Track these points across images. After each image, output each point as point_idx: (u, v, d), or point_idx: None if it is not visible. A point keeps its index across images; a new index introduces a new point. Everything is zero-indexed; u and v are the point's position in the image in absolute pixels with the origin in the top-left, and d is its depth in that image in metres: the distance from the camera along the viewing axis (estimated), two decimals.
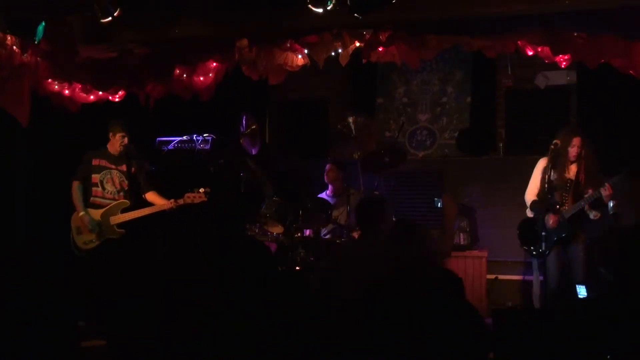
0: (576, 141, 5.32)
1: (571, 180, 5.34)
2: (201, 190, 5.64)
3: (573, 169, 5.38)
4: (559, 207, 5.31)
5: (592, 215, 5.29)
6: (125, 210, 5.69)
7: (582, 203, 5.25)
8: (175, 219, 5.95)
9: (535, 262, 5.51)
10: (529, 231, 5.43)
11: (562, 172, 5.31)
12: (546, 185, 5.31)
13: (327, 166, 6.61)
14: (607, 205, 5.22)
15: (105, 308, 5.37)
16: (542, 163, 5.48)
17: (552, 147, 5.28)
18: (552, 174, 5.34)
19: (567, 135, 5.37)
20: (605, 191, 5.14)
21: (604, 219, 5.35)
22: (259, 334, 3.44)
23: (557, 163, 5.31)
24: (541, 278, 5.44)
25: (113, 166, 5.72)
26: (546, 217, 5.31)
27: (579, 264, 5.27)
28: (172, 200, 5.63)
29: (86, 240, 5.67)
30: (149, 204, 5.72)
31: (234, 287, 3.68)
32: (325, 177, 6.61)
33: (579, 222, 5.32)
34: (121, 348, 4.21)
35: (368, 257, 4.01)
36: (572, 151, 5.32)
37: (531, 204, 5.49)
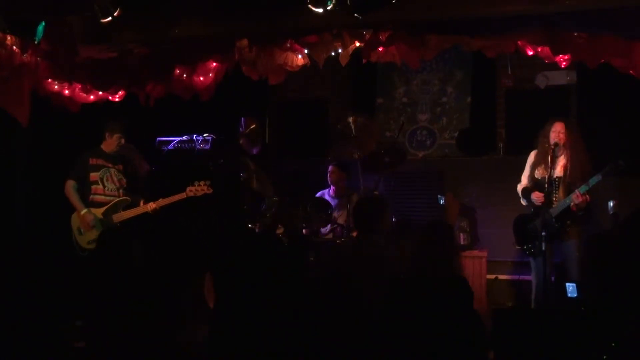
0: (558, 126, 5.26)
1: (559, 177, 5.26)
2: (201, 183, 5.64)
3: (562, 162, 5.29)
4: (547, 204, 5.20)
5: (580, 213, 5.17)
6: (126, 207, 5.67)
7: (567, 202, 5.14)
8: (178, 215, 5.95)
9: (533, 262, 5.51)
10: (523, 230, 5.42)
11: (547, 167, 5.24)
12: (536, 181, 5.31)
13: (330, 168, 6.62)
14: (582, 210, 5.11)
15: (108, 307, 5.37)
16: (531, 157, 5.48)
17: (537, 139, 5.31)
18: (537, 169, 5.34)
19: (550, 123, 5.33)
20: (576, 198, 5.04)
21: (601, 220, 5.33)
22: (263, 329, 3.44)
23: (540, 158, 5.30)
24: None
25: (110, 164, 5.72)
26: (532, 196, 5.28)
27: (574, 263, 5.19)
28: (152, 204, 5.67)
29: (90, 240, 5.60)
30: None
31: (240, 281, 3.69)
32: (328, 178, 6.62)
33: (570, 218, 5.21)
34: (122, 347, 4.21)
35: (382, 257, 4.02)
36: (553, 136, 5.24)
37: (522, 190, 5.48)
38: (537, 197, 5.29)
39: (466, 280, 3.53)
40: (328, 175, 6.61)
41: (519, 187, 5.55)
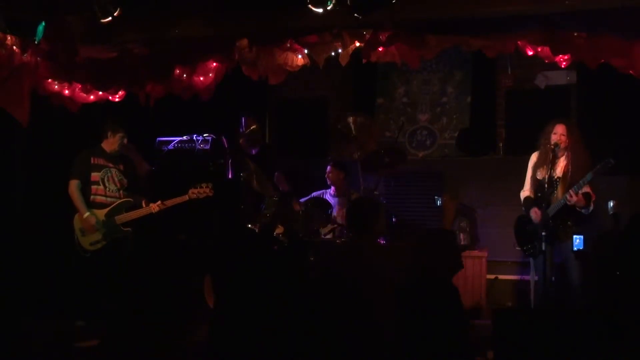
0: (559, 128, 5.24)
1: (559, 177, 5.25)
2: (203, 185, 5.62)
3: (562, 163, 5.29)
4: (546, 204, 5.19)
5: (583, 211, 5.16)
6: (129, 209, 5.65)
7: (562, 202, 5.13)
8: (184, 216, 5.94)
9: (533, 262, 5.51)
10: (523, 230, 5.42)
11: (547, 168, 5.23)
12: (538, 182, 5.31)
13: (328, 167, 6.63)
14: (584, 208, 5.11)
15: (111, 308, 5.37)
16: (533, 158, 5.47)
17: (539, 140, 5.31)
18: (539, 171, 5.33)
19: (552, 124, 5.31)
20: (570, 198, 5.04)
21: (601, 220, 5.32)
22: (263, 329, 3.45)
23: (542, 159, 5.30)
24: (536, 278, 5.43)
25: (111, 164, 5.64)
26: (531, 212, 5.31)
27: (573, 263, 5.18)
28: (157, 203, 5.63)
29: (92, 241, 5.54)
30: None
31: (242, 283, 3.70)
32: (327, 178, 6.63)
33: (570, 218, 5.21)
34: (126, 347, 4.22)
35: (381, 258, 4.02)
36: (554, 138, 5.22)
37: (524, 199, 5.49)
38: (535, 215, 5.28)
39: (457, 291, 3.55)
40: (326, 174, 6.61)
41: (522, 195, 5.52)
